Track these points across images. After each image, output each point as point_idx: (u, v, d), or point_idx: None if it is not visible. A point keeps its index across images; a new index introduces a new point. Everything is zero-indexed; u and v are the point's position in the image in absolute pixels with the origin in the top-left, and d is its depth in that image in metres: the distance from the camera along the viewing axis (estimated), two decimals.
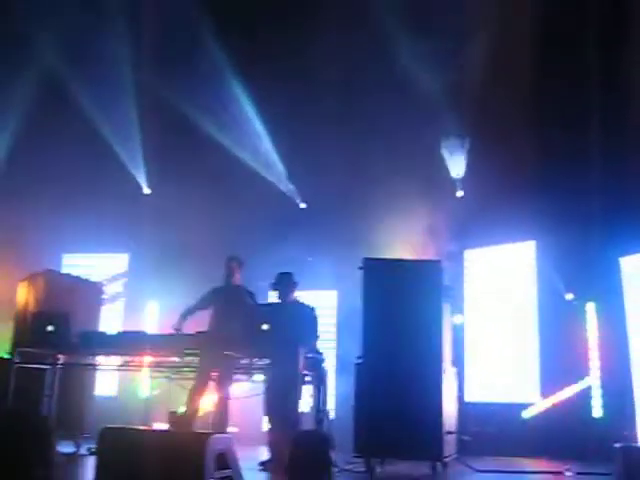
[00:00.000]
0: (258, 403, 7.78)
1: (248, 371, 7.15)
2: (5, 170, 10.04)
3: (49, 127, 9.96)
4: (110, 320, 9.59)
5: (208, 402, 7.03)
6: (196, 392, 6.62)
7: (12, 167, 10.05)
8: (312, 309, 6.73)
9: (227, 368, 6.70)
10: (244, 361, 6.96)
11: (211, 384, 6.80)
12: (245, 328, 6.59)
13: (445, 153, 9.68)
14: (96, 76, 9.79)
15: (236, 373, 7.13)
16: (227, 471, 4.31)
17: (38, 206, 10.02)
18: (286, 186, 10.44)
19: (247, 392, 7.82)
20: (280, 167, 10.43)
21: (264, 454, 6.58)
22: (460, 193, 9.77)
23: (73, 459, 6.85)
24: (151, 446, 4.10)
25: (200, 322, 7.27)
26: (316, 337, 6.57)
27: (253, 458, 6.53)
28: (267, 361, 6.61)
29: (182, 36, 9.95)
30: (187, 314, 7.25)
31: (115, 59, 9.90)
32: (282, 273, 6.93)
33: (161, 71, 10.01)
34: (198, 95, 9.84)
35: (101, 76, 9.85)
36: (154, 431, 5.49)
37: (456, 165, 9.71)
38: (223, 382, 6.77)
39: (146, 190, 10.86)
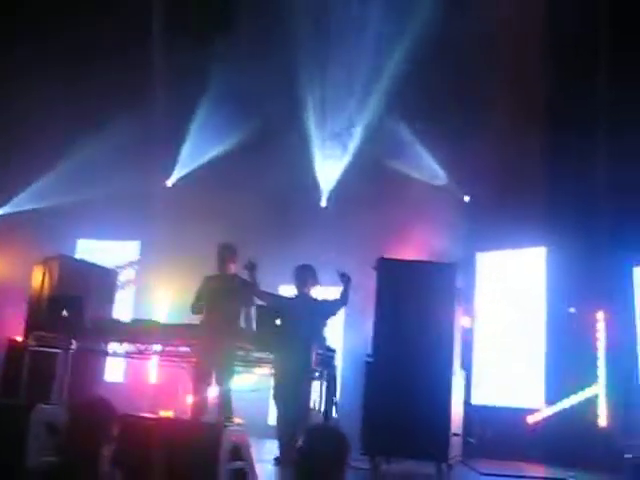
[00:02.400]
0: (263, 396, 7.88)
1: (255, 364, 7.21)
2: (22, 153, 10.04)
3: (66, 112, 9.99)
4: (121, 306, 9.65)
5: (211, 394, 6.92)
6: (198, 383, 6.62)
7: (29, 150, 10.05)
8: (325, 305, 6.70)
9: (226, 360, 6.60)
10: (254, 354, 7.01)
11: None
12: (247, 321, 6.57)
13: None
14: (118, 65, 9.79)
15: (243, 365, 7.16)
16: (240, 463, 4.35)
17: (54, 190, 10.06)
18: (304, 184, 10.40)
19: (253, 385, 7.89)
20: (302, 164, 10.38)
21: (271, 448, 6.64)
22: (467, 198, 9.80)
23: None
24: (166, 435, 4.14)
25: None
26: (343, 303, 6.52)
27: (260, 451, 6.58)
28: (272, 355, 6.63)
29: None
30: (196, 312, 7.02)
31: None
32: (303, 265, 6.75)
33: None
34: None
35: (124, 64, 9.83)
36: (170, 420, 5.52)
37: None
38: (222, 374, 6.60)
39: (168, 183, 10.89)
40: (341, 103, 10.18)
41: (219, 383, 6.54)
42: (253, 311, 6.65)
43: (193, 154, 10.65)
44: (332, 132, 10.30)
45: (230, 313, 6.59)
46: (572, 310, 8.62)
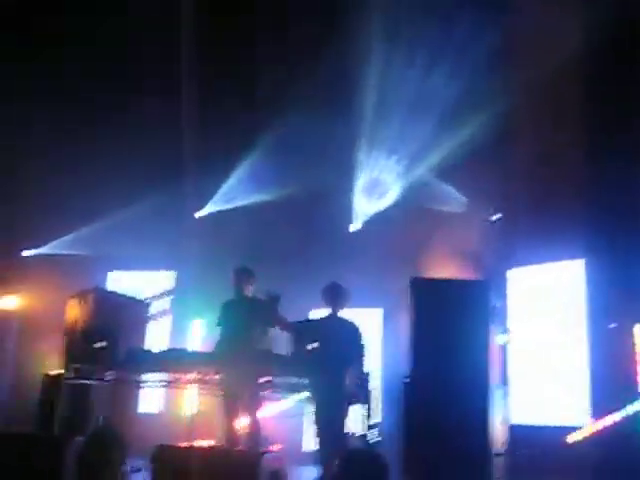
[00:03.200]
0: (299, 422, 7.80)
1: (290, 389, 7.13)
2: (54, 184, 10.19)
3: (98, 141, 10.16)
4: (156, 337, 9.68)
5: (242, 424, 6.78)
6: (226, 413, 6.54)
7: (60, 182, 10.20)
8: (357, 327, 6.66)
9: (253, 388, 6.52)
10: (287, 380, 6.93)
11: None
12: (269, 344, 6.50)
13: None
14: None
15: (278, 391, 7.08)
16: None
17: (85, 221, 10.20)
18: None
19: (287, 411, 7.81)
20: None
21: (308, 474, 6.54)
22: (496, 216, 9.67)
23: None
24: (205, 463, 4.10)
25: None
26: (362, 356, 6.51)
27: (297, 477, 6.50)
28: (307, 380, 6.55)
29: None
30: None
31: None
32: (333, 283, 6.71)
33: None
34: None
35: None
36: (208, 448, 5.49)
37: None
38: (250, 403, 6.53)
39: (198, 214, 10.95)
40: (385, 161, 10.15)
41: (246, 412, 6.46)
42: (273, 332, 6.59)
43: (228, 195, 10.70)
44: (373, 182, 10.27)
45: (251, 338, 6.53)
46: (613, 325, 8.39)
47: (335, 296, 6.63)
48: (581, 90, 8.96)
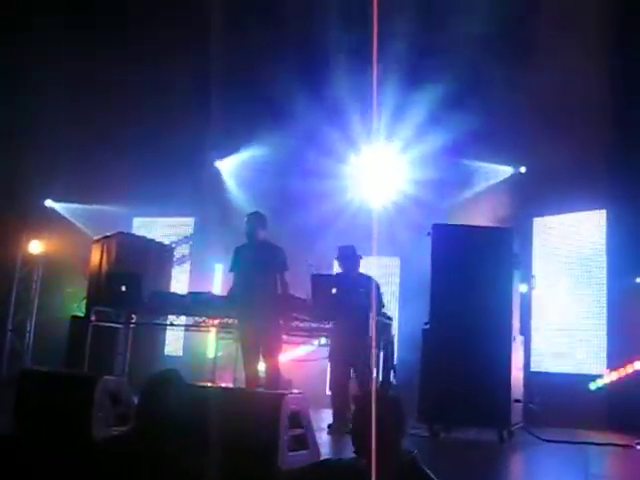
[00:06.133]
0: (321, 366, 7.91)
1: (312, 334, 7.23)
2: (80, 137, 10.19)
3: (124, 95, 10.10)
4: (177, 282, 9.79)
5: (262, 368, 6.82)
6: (246, 356, 6.58)
7: (85, 133, 10.19)
8: (375, 282, 6.79)
9: (272, 332, 6.56)
10: (310, 324, 7.04)
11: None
12: (283, 287, 6.53)
13: None
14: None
15: (298, 335, 7.17)
16: (300, 430, 4.38)
17: (110, 171, 10.21)
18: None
19: (309, 355, 7.92)
20: None
21: (328, 417, 6.68)
22: (523, 169, 9.58)
23: None
24: (227, 403, 4.18)
25: None
26: (382, 306, 6.60)
27: (318, 420, 6.62)
28: (328, 325, 6.66)
29: None
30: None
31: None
32: (344, 246, 6.89)
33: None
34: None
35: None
36: (230, 389, 5.59)
37: None
38: (270, 347, 6.57)
39: (217, 164, 10.94)
40: None
41: (265, 356, 6.54)
42: (287, 275, 6.60)
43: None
44: None
45: (267, 283, 6.50)
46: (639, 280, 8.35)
47: (348, 258, 6.78)
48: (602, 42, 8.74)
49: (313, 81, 9.56)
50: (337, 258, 6.99)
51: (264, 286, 6.44)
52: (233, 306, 6.64)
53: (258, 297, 6.38)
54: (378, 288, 7.01)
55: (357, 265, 6.85)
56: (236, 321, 6.87)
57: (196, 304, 7.03)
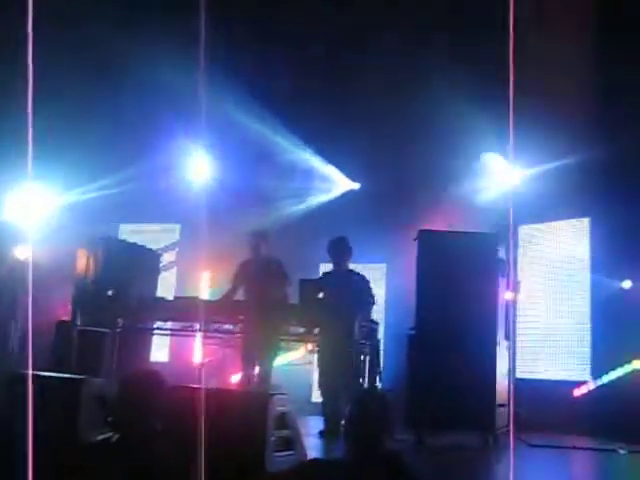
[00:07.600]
0: (307, 372, 7.93)
1: (298, 339, 7.26)
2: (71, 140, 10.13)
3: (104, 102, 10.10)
4: (164, 289, 9.75)
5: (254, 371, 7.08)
6: (245, 361, 6.72)
7: (76, 137, 10.15)
8: (365, 278, 6.80)
9: (270, 338, 6.79)
10: (297, 330, 7.07)
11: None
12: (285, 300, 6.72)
13: None
14: None
15: (287, 340, 7.22)
16: (286, 431, 4.39)
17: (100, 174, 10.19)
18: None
19: (296, 361, 7.94)
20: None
21: (315, 423, 6.68)
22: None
23: None
24: (213, 404, 4.18)
25: None
26: (372, 303, 6.63)
27: (304, 427, 6.61)
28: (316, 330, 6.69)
29: None
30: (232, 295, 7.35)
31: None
32: (337, 238, 6.93)
33: None
34: None
35: None
36: (216, 390, 5.59)
37: None
38: (266, 352, 6.84)
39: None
40: None
41: (261, 361, 6.66)
42: (289, 290, 6.85)
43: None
44: None
45: (269, 293, 6.83)
46: (626, 285, 8.41)
47: (341, 250, 6.79)
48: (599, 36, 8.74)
49: None
50: (327, 251, 7.04)
51: (268, 297, 6.83)
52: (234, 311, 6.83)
53: (262, 306, 6.71)
54: (368, 285, 7.00)
55: (347, 257, 6.90)
56: (226, 326, 7.01)
57: (183, 309, 7.03)
